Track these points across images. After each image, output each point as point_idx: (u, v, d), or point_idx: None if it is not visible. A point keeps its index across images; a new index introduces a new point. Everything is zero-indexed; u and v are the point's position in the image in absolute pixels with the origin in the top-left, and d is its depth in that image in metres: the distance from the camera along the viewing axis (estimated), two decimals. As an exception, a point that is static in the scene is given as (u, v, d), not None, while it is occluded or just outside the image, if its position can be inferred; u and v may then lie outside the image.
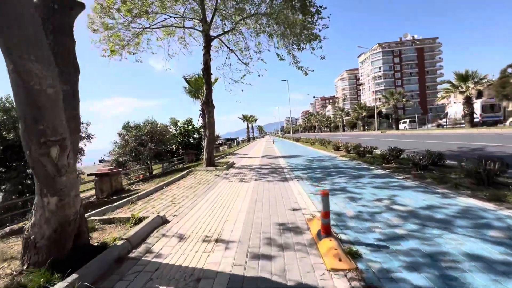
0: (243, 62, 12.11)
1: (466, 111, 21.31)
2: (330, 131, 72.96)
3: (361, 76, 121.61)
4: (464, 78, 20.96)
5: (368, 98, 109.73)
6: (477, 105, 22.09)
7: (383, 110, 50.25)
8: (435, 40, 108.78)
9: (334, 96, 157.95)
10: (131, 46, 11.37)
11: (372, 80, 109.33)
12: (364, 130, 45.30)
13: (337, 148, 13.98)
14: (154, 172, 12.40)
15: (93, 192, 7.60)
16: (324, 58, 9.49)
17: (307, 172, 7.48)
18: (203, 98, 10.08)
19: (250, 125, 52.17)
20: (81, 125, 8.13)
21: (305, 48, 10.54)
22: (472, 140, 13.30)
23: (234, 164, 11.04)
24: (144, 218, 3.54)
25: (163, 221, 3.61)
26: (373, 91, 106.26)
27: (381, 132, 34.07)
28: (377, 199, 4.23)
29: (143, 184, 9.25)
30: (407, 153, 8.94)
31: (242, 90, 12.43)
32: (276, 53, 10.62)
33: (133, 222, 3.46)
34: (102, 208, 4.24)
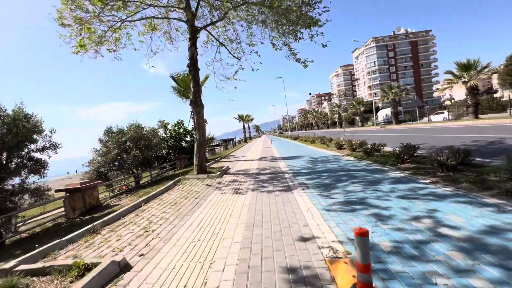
0: (234, 57, 11.03)
1: (470, 102, 20.46)
2: (328, 127, 72.17)
3: (356, 71, 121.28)
4: (466, 67, 20.11)
5: (364, 93, 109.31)
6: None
7: (379, 105, 49.44)
8: (428, 33, 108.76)
9: (330, 92, 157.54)
10: (111, 43, 10.26)
11: (367, 75, 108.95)
12: (362, 125, 44.49)
13: (340, 147, 12.99)
14: (143, 181, 11.27)
15: (63, 210, 6.47)
16: (326, 46, 8.46)
17: (312, 178, 6.45)
18: (191, 97, 8.99)
19: (246, 125, 51.05)
20: (42, 132, 6.97)
21: (303, 38, 9.51)
22: (482, 132, 12.39)
23: (229, 169, 9.97)
24: (94, 265, 2.46)
25: (120, 268, 2.54)
26: (369, 86, 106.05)
27: (381, 127, 33.24)
28: (412, 217, 3.20)
29: (126, 197, 8.14)
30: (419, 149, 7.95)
31: (236, 87, 11.37)
32: (271, 43, 9.57)
33: (77, 273, 2.38)
34: (46, 246, 3.15)
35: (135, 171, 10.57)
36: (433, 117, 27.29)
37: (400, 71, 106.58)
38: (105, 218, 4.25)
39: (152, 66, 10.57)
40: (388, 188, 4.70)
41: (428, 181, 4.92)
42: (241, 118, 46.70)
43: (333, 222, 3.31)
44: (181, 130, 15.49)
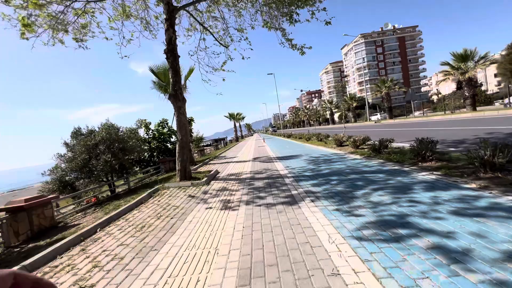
0: (222, 44, 9.68)
1: (467, 94, 19.86)
2: (319, 124, 71.72)
3: (346, 68, 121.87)
4: (463, 57, 19.48)
5: (353, 89, 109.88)
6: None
7: (370, 101, 49.19)
8: (415, 28, 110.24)
9: (320, 90, 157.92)
10: (78, 32, 8.76)
11: (356, 72, 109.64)
12: (355, 121, 43.92)
13: (340, 143, 11.87)
14: (122, 189, 9.79)
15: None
16: (330, 23, 7.22)
17: (319, 183, 5.23)
18: (169, 90, 7.59)
19: (237, 124, 49.62)
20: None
21: (299, 21, 8.26)
22: (489, 124, 11.57)
23: (218, 173, 8.65)
24: None
25: None
26: (359, 82, 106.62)
27: (375, 122, 32.63)
28: (506, 254, 2.00)
29: (92, 212, 6.68)
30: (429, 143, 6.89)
31: (224, 80, 10.01)
32: (264, 20, 8.27)
33: None
34: None
35: (109, 178, 9.08)
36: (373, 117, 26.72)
37: (388, 66, 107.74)
38: (31, 260, 2.86)
39: (126, 56, 9.09)
40: (428, 197, 3.52)
41: (474, 185, 3.79)
42: (231, 116, 45.17)
43: (378, 265, 2.07)
44: (165, 130, 14.01)
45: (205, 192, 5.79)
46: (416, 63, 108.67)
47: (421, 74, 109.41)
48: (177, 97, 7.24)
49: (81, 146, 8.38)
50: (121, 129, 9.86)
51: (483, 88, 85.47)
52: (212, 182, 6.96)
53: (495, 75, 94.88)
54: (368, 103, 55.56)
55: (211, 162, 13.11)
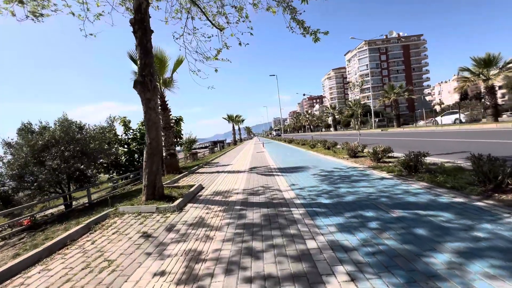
0: (215, 26, 7.77)
1: (488, 103, 18.00)
2: (321, 130, 69.84)
3: (348, 74, 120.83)
4: (486, 63, 17.66)
5: (356, 96, 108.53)
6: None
7: (371, 108, 47.33)
8: (419, 37, 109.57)
9: (321, 95, 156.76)
10: (37, 5, 6.89)
11: (359, 78, 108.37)
12: (359, 128, 42.03)
13: (354, 154, 9.92)
14: (81, 202, 7.77)
15: None
16: None
17: (348, 224, 3.23)
18: (137, 75, 5.61)
19: (236, 127, 47.71)
20: None
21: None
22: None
23: (202, 189, 6.65)
24: None
25: None
26: (361, 89, 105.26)
27: (381, 130, 30.76)
28: None
29: (16, 241, 4.67)
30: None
31: (216, 70, 8.08)
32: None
33: None
34: None
35: (63, 189, 7.07)
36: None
37: (392, 74, 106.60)
38: None
39: (91, 34, 7.14)
40: None
41: None
42: (230, 118, 43.12)
43: None
44: (142, 128, 12.04)
45: (170, 228, 3.78)
46: (420, 72, 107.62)
47: (425, 84, 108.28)
48: (146, 86, 5.26)
49: (27, 148, 6.39)
50: (86, 127, 7.89)
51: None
52: (189, 206, 4.94)
53: (499, 87, 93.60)
54: (373, 111, 53.67)
55: (200, 170, 11.10)
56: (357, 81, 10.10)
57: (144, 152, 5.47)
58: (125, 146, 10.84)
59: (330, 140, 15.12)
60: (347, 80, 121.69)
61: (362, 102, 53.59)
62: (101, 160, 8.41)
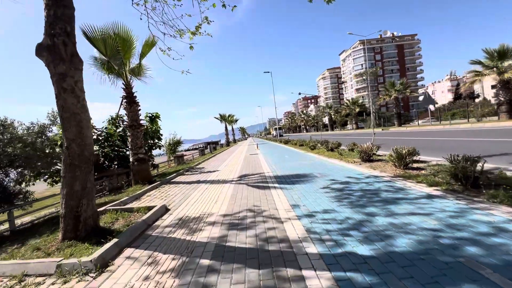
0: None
1: (502, 99, 16.43)
2: (317, 130, 68.19)
3: (343, 74, 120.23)
4: (500, 55, 16.11)
5: (351, 96, 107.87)
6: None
7: (366, 106, 45.80)
8: (413, 36, 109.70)
9: (317, 95, 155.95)
10: None
11: (354, 78, 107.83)
12: (357, 128, 40.49)
13: (368, 157, 8.04)
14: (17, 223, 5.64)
15: None
16: None
17: None
18: (43, 36, 3.53)
19: (229, 127, 45.57)
20: None
21: None
22: None
23: (164, 214, 4.60)
24: None
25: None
26: (356, 89, 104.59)
27: (382, 130, 29.17)
28: None
29: None
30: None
31: (192, 47, 6.08)
32: None
33: None
34: None
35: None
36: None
37: (387, 74, 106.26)
38: None
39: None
40: None
41: None
42: (222, 118, 40.81)
43: None
44: (120, 130, 9.91)
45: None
46: (414, 71, 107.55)
47: (419, 83, 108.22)
48: (57, 53, 3.19)
49: None
50: (15, 125, 5.76)
51: (480, 99, 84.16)
52: (122, 257, 2.86)
53: (492, 87, 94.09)
54: (365, 110, 52.30)
55: (178, 178, 9.02)
56: (369, 69, 8.09)
57: (62, 162, 3.40)
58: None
59: (331, 140, 13.25)
60: (342, 80, 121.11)
61: (360, 102, 52.22)
62: (42, 170, 6.29)
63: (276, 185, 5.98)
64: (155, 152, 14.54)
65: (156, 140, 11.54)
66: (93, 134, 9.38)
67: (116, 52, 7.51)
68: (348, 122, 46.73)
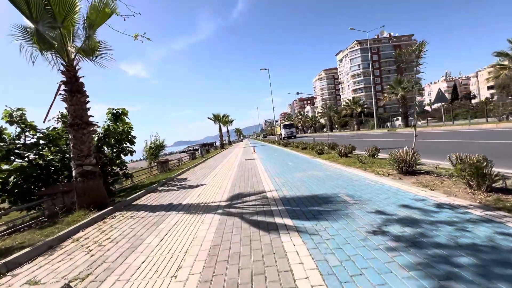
0: None
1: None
2: (315, 131, 66.15)
3: (340, 74, 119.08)
4: (531, 46, 14.09)
5: (348, 96, 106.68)
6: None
7: (362, 109, 43.03)
8: (410, 37, 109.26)
9: (313, 96, 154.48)
10: None
11: (351, 78, 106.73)
12: (358, 129, 38.45)
13: (408, 169, 5.77)
14: None
15: None
16: None
17: None
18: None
19: (224, 128, 43.04)
20: None
21: None
22: None
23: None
24: None
25: None
26: (353, 90, 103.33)
27: (388, 131, 27.11)
28: None
29: None
30: None
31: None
32: None
33: None
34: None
35: None
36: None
37: (384, 74, 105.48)
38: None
39: None
40: None
41: None
42: (216, 118, 38.07)
43: None
44: (60, 128, 7.37)
45: None
46: (411, 72, 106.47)
47: (411, 86, 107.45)
48: None
49: None
50: None
51: (476, 100, 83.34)
52: None
53: (488, 88, 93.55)
54: (364, 111, 50.32)
55: (143, 199, 6.56)
56: (412, 47, 5.85)
57: None
58: (14, 158, 6.19)
59: (349, 144, 10.95)
60: (339, 80, 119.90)
61: (361, 101, 50.21)
62: None
63: (288, 221, 3.61)
64: (134, 156, 12.09)
65: (128, 144, 9.06)
66: (32, 136, 6.88)
67: (45, 13, 5.07)
68: (349, 123, 44.61)
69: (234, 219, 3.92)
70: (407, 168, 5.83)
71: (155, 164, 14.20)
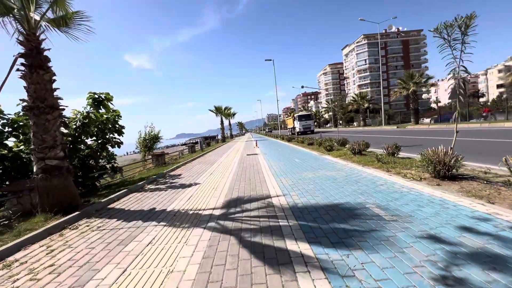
0: None
1: None
2: (319, 127, 64.72)
3: (346, 69, 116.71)
4: None
5: (353, 92, 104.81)
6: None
7: (369, 105, 41.25)
8: (419, 32, 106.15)
9: (317, 91, 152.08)
10: None
11: (357, 74, 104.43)
12: (365, 125, 37.06)
13: (447, 172, 4.65)
14: None
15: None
16: None
17: None
18: None
19: (226, 121, 41.85)
20: None
21: None
22: None
23: None
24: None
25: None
26: (358, 85, 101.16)
27: (397, 128, 25.80)
28: None
29: None
30: None
31: None
32: None
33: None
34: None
35: None
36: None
37: (390, 70, 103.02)
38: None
39: None
40: None
41: None
42: (218, 111, 36.73)
43: None
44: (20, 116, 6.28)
45: None
46: (419, 68, 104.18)
47: (424, 81, 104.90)
48: None
49: None
50: None
51: (484, 99, 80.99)
52: None
53: (497, 86, 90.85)
54: (369, 107, 48.64)
55: (123, 200, 5.52)
56: (457, 21, 4.60)
57: None
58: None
59: (363, 140, 9.81)
60: (344, 75, 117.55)
61: (368, 96, 48.55)
62: None
63: (305, 247, 2.54)
64: (128, 148, 11.10)
65: (115, 134, 8.01)
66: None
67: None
68: (354, 119, 43.18)
69: (229, 240, 2.85)
70: (446, 172, 4.71)
71: (151, 156, 13.19)
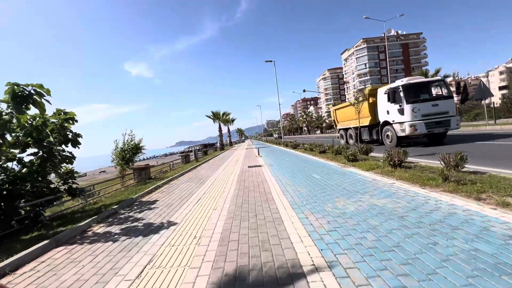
0: None
1: None
2: (321, 132, 62.54)
3: (345, 74, 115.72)
4: None
5: (352, 97, 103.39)
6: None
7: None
8: (419, 35, 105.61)
9: (316, 97, 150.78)
10: None
11: (357, 78, 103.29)
12: None
13: None
14: None
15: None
16: None
17: None
18: None
19: (225, 127, 39.65)
20: None
21: None
22: None
23: None
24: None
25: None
26: (359, 89, 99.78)
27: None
28: None
29: None
30: None
31: None
32: None
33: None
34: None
35: None
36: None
37: (391, 74, 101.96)
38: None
39: None
40: None
41: None
42: (216, 117, 34.17)
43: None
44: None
45: None
46: (419, 71, 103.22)
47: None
48: None
49: None
50: None
51: (487, 101, 79.58)
52: None
53: (500, 88, 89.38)
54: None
55: (30, 265, 3.25)
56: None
57: None
58: None
59: (370, 146, 7.56)
60: (344, 80, 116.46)
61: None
62: None
63: None
64: (104, 162, 8.83)
65: (69, 146, 5.75)
66: None
67: None
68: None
69: None
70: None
71: (132, 171, 10.88)
